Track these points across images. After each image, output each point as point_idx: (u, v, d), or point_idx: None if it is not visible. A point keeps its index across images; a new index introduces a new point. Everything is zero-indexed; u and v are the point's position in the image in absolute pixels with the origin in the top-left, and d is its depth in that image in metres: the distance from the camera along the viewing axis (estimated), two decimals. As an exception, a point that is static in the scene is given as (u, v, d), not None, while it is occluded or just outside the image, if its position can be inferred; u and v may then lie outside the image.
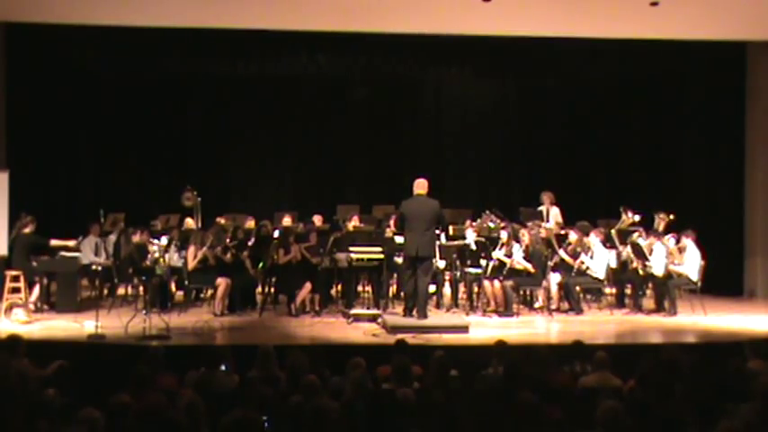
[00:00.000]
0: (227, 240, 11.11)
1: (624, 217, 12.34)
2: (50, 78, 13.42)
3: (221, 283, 10.61)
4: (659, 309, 11.21)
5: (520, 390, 5.33)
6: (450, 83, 14.99)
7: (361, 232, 11.49)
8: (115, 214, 12.06)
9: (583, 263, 11.12)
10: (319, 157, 14.87)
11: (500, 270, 10.89)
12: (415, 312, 9.76)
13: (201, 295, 11.75)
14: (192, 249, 10.83)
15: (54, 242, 11.03)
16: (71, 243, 11.15)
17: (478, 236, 11.39)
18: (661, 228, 11.97)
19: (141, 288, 10.86)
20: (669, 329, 10.26)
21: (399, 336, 8.45)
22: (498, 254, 10.96)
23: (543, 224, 12.22)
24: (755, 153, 13.49)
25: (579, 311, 11.15)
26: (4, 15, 12.24)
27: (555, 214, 12.79)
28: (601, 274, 11.20)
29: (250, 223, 12.30)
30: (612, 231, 11.86)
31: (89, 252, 11.52)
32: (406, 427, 5.10)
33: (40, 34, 12.67)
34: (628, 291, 11.80)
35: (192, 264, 10.80)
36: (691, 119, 14.15)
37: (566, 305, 11.39)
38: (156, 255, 10.66)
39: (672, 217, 12.16)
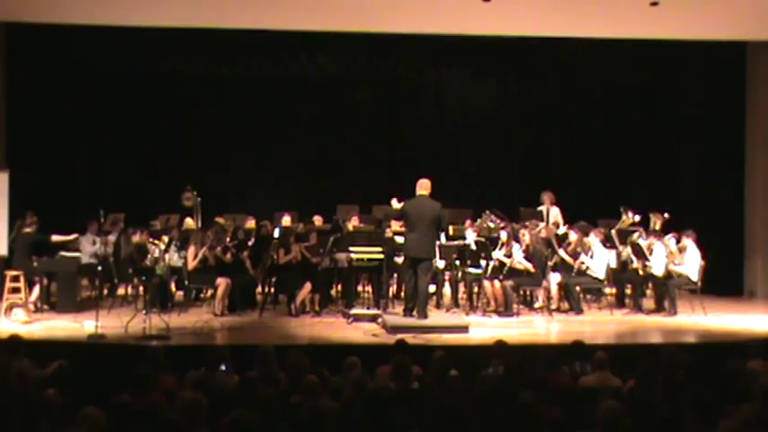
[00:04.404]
0: (228, 240, 11.11)
1: (624, 217, 12.34)
2: (50, 78, 13.41)
3: (221, 283, 10.61)
4: (659, 309, 11.22)
5: (520, 390, 5.33)
6: (451, 83, 14.98)
7: (361, 232, 11.50)
8: (115, 214, 12.04)
9: (583, 263, 11.12)
10: (319, 156, 14.87)
11: (500, 270, 10.89)
12: (415, 312, 9.76)
13: (201, 295, 11.75)
14: (192, 249, 10.83)
15: (55, 237, 11.05)
16: (72, 237, 11.17)
17: (478, 236, 11.39)
18: (657, 227, 11.97)
19: (141, 288, 10.85)
20: (669, 329, 10.26)
21: (399, 336, 8.47)
22: (498, 254, 10.96)
23: (541, 224, 12.21)
24: (755, 153, 13.49)
25: (579, 311, 11.15)
26: (4, 15, 12.24)
27: (555, 214, 12.79)
28: (601, 274, 11.20)
29: (250, 223, 12.31)
30: (612, 231, 11.86)
31: (88, 247, 11.47)
32: (405, 428, 5.10)
33: (40, 34, 12.68)
34: (628, 291, 11.80)
35: (191, 264, 10.80)
36: (691, 119, 14.15)
37: (566, 305, 11.40)
38: (156, 255, 10.67)
39: (666, 216, 12.16)
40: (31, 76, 13.19)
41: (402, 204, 10.00)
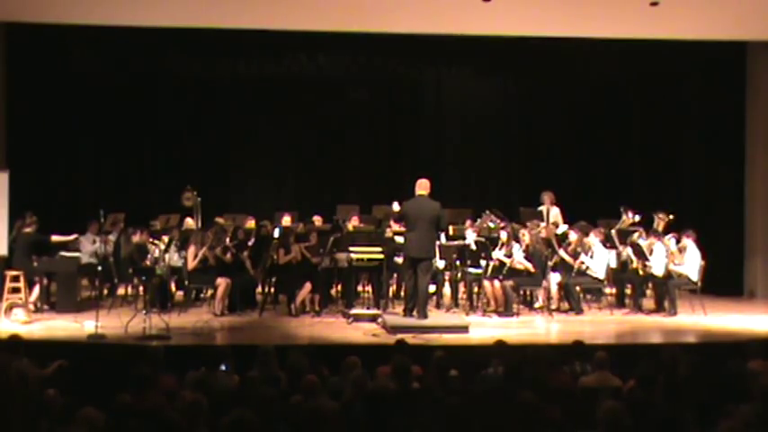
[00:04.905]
0: (227, 240, 11.11)
1: (624, 217, 12.34)
2: (50, 78, 13.42)
3: (221, 283, 10.61)
4: (659, 309, 11.22)
5: (520, 390, 5.33)
6: (451, 83, 14.97)
7: (361, 232, 11.50)
8: (115, 214, 12.03)
9: (583, 263, 11.12)
10: (319, 157, 14.87)
11: (500, 270, 10.89)
12: (415, 312, 9.76)
13: (201, 295, 11.75)
14: (192, 249, 10.83)
15: (55, 238, 11.05)
16: (72, 237, 11.17)
17: (478, 236, 11.39)
18: (661, 228, 11.97)
19: (141, 288, 10.85)
20: (669, 329, 10.26)
21: (399, 336, 8.47)
22: (498, 254, 10.96)
23: (541, 224, 12.20)
24: (755, 153, 13.49)
25: (579, 311, 11.15)
26: (4, 15, 12.24)
27: (555, 214, 12.78)
28: (601, 274, 11.19)
29: (250, 223, 12.31)
30: (612, 231, 11.86)
31: (88, 246, 11.45)
32: (406, 428, 5.10)
33: (39, 34, 12.68)
34: (628, 291, 11.80)
35: (191, 264, 10.80)
36: (691, 119, 14.15)
37: (566, 305, 11.40)
38: (156, 255, 10.67)
39: (671, 217, 12.15)
40: (30, 75, 13.19)
41: (401, 206, 10.01)
